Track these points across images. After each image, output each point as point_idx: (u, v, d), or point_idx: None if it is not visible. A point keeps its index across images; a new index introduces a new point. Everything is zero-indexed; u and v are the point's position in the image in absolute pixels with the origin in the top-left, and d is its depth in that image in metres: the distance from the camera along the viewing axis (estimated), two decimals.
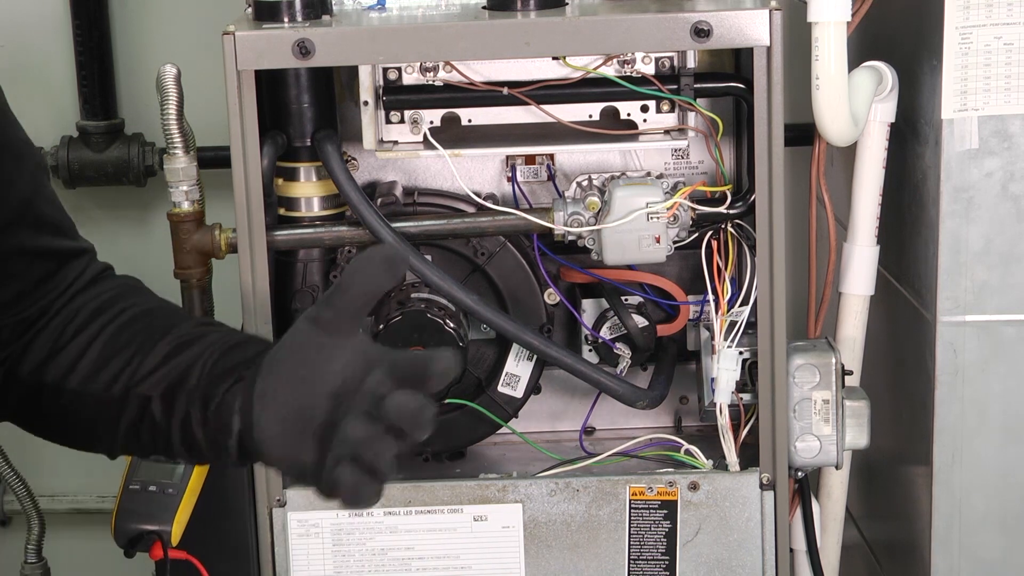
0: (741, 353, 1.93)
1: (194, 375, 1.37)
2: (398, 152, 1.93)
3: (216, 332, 1.43)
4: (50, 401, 1.43)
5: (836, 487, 2.12)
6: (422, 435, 1.20)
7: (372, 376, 1.22)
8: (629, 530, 1.94)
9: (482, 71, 1.91)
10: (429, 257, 1.94)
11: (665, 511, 1.93)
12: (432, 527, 1.94)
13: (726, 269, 1.94)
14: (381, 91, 1.92)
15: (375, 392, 1.21)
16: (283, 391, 1.26)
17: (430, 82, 1.91)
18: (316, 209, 1.96)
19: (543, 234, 1.94)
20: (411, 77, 1.92)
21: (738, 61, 2.00)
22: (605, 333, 2.00)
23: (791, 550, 2.03)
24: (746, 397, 1.94)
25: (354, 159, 2.04)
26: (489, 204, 1.94)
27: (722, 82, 1.94)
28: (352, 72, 1.93)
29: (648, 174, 2.00)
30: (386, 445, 1.20)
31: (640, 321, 2.00)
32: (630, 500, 1.94)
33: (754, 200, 1.88)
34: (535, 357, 1.98)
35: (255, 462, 1.35)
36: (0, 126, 1.42)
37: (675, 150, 2.05)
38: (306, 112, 1.93)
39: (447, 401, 1.97)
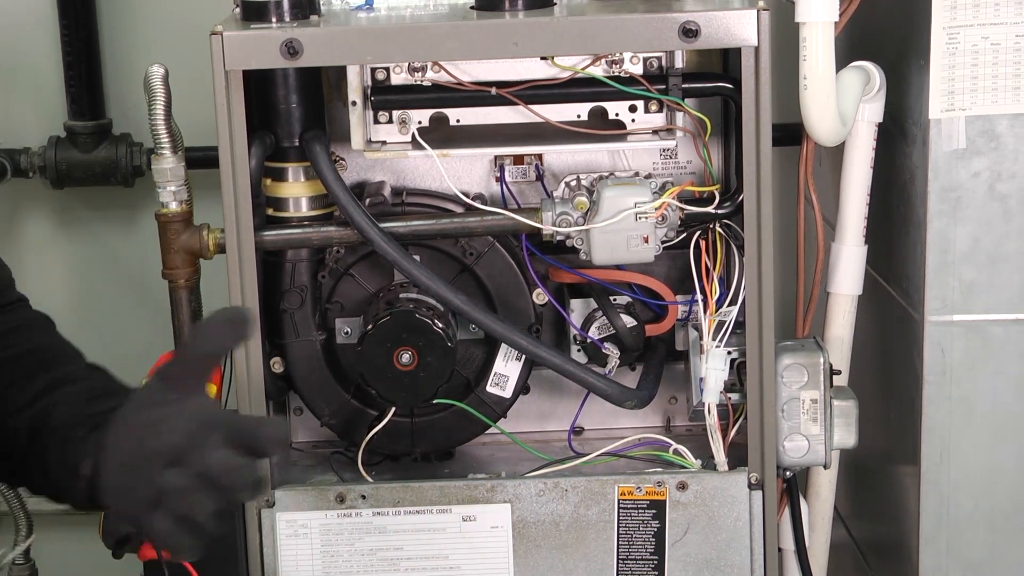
0: (729, 353, 1.93)
1: (57, 416, 1.41)
2: (386, 152, 1.93)
3: (90, 380, 1.46)
4: None
5: (824, 486, 2.12)
6: (244, 495, 1.25)
7: (208, 436, 1.26)
8: (618, 530, 1.94)
9: (470, 71, 1.91)
10: (417, 257, 1.94)
11: (654, 511, 1.94)
12: (421, 527, 1.94)
13: (714, 269, 1.94)
14: (369, 91, 1.92)
15: (206, 451, 1.25)
16: (125, 444, 1.30)
17: (418, 82, 1.91)
18: (304, 209, 1.96)
19: (531, 234, 1.94)
20: (399, 77, 1.92)
21: (726, 61, 2.00)
22: (593, 333, 2.00)
23: (779, 550, 2.03)
24: (734, 397, 1.94)
25: (342, 159, 2.04)
26: (477, 204, 1.94)
27: (710, 82, 1.94)
28: (340, 72, 1.93)
29: (636, 174, 2.00)
30: (202, 498, 1.24)
31: (628, 321, 2.00)
32: (618, 500, 1.94)
33: (742, 200, 1.88)
34: (523, 357, 1.98)
35: (103, 509, 1.39)
36: None
37: (663, 150, 2.05)
38: (294, 112, 1.93)
39: (436, 401, 1.97)
